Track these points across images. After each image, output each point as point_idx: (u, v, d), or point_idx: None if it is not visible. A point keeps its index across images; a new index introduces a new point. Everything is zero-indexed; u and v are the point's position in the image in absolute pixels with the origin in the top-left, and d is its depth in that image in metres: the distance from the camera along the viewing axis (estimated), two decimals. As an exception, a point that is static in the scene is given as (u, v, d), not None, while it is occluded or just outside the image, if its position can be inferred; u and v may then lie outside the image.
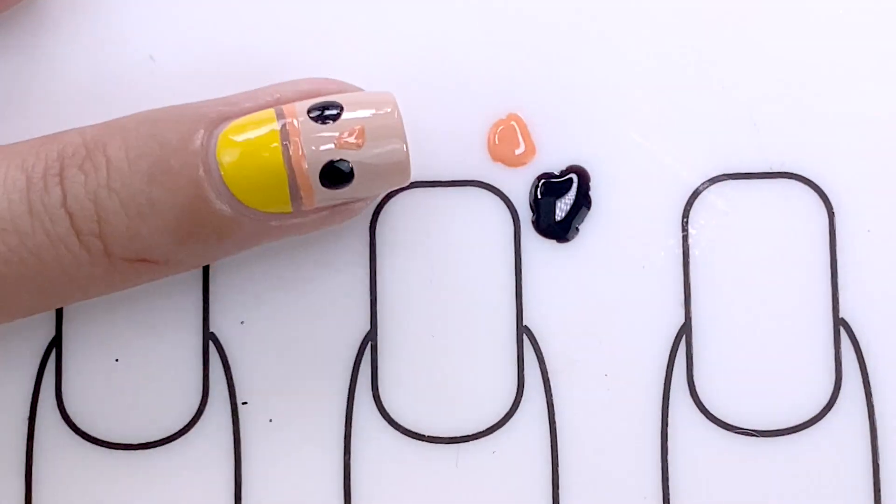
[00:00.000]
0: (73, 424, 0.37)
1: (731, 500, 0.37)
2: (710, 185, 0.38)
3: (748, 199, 0.38)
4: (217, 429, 0.38)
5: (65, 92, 0.38)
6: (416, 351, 0.38)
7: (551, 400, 0.38)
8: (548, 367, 0.38)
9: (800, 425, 0.38)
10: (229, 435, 0.38)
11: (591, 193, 0.38)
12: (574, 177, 0.38)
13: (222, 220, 0.35)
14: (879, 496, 0.37)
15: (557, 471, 0.37)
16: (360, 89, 0.37)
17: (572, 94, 0.38)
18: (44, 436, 0.37)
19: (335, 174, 0.35)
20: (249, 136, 0.35)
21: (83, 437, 0.37)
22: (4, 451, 0.37)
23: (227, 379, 0.38)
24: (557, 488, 0.37)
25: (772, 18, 0.38)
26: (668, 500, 0.37)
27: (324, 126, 0.35)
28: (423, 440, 0.38)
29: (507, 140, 0.38)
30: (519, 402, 0.38)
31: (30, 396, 0.38)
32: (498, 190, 0.38)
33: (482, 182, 0.38)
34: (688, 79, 0.38)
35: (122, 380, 0.37)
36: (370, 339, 0.38)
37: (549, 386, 0.38)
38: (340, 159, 0.35)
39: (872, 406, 0.38)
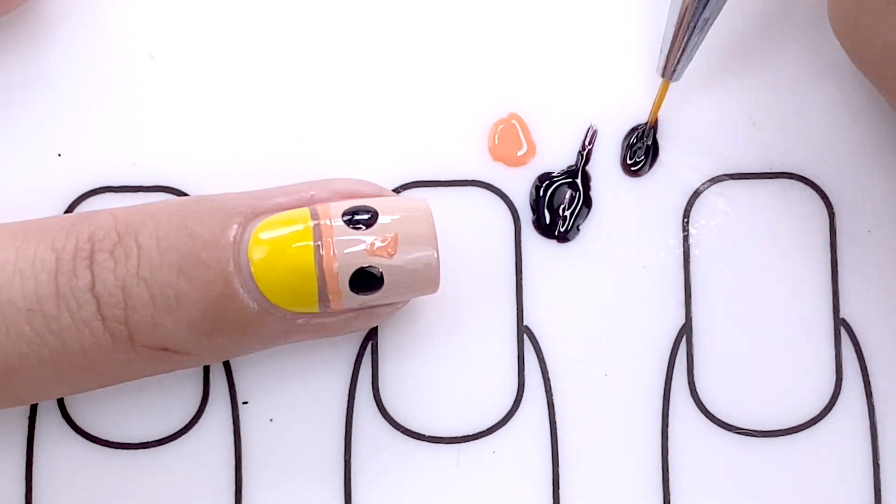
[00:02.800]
0: (74, 424, 0.37)
1: (731, 500, 0.37)
2: (710, 185, 0.38)
3: (748, 199, 0.38)
4: (217, 429, 0.38)
5: (65, 92, 0.38)
6: (416, 351, 0.38)
7: (551, 400, 0.38)
8: (548, 367, 0.38)
9: (800, 425, 0.38)
10: (229, 435, 0.38)
11: (591, 193, 0.38)
12: (574, 177, 0.38)
13: (248, 316, 0.34)
14: (879, 496, 0.37)
15: (557, 471, 0.37)
16: (393, 194, 0.37)
17: (572, 94, 0.38)
18: (44, 435, 0.37)
19: (365, 279, 0.35)
20: (282, 234, 0.34)
21: (84, 437, 0.37)
22: (4, 451, 0.37)
23: (227, 379, 0.38)
24: (557, 488, 0.37)
25: (770, 18, 0.39)
26: (669, 500, 0.37)
27: (357, 231, 0.35)
28: (423, 440, 0.38)
29: (507, 140, 0.38)
30: (519, 402, 0.38)
31: (30, 396, 0.38)
32: (498, 190, 0.38)
33: (482, 182, 0.38)
34: (688, 79, 0.38)
35: (123, 379, 0.37)
36: (370, 339, 0.38)
37: (549, 386, 0.38)
38: (371, 266, 0.35)
39: (872, 406, 0.38)
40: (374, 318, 0.36)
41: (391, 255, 0.35)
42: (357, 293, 0.35)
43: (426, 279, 0.35)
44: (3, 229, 0.35)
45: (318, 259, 0.34)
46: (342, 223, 0.35)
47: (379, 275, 0.35)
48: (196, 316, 0.34)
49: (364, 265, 0.34)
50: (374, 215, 0.35)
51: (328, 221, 0.34)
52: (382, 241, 0.35)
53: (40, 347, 0.34)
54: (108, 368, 0.35)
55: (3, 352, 0.33)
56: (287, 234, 0.34)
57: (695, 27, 0.36)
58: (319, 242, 0.34)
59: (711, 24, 0.37)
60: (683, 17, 0.36)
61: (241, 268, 0.34)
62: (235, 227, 0.35)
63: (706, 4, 0.36)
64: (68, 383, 0.35)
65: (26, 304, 0.33)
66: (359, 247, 0.34)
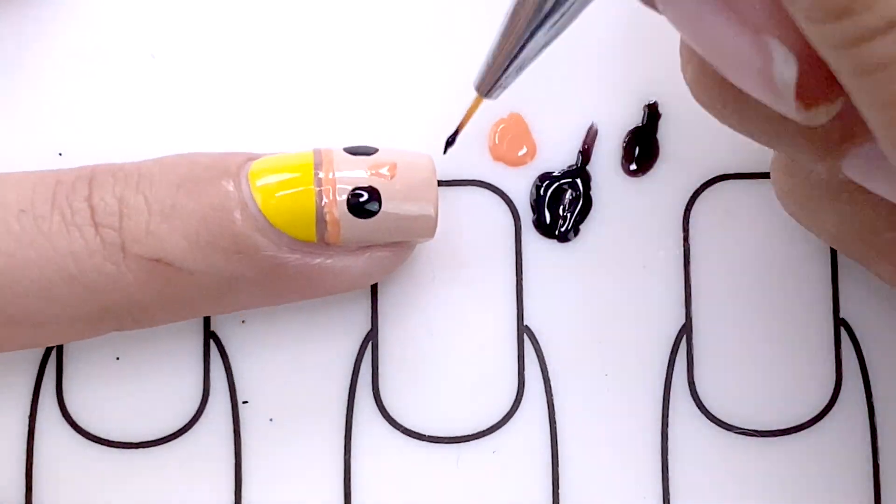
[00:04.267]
0: (74, 423, 0.37)
1: (731, 500, 0.37)
2: (710, 185, 0.38)
3: (748, 199, 0.38)
4: (217, 428, 0.38)
5: (65, 91, 0.38)
6: (417, 351, 0.38)
7: (551, 400, 0.38)
8: (548, 367, 0.38)
9: (800, 425, 0.38)
10: (229, 434, 0.38)
11: (591, 193, 0.38)
12: (574, 177, 0.38)
13: (244, 233, 0.34)
14: (879, 496, 0.37)
15: (557, 471, 0.37)
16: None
17: (572, 94, 0.38)
18: (44, 434, 0.37)
19: (362, 207, 0.35)
20: (283, 161, 0.35)
21: (83, 436, 0.37)
22: (4, 450, 0.37)
23: (227, 378, 0.38)
24: (557, 488, 0.37)
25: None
26: (668, 500, 0.37)
27: (357, 157, 0.35)
28: (423, 440, 0.38)
29: (507, 140, 0.38)
30: (519, 402, 0.38)
31: (30, 394, 0.37)
32: (499, 189, 0.38)
33: (483, 182, 0.38)
34: (688, 79, 0.38)
35: (123, 378, 0.37)
36: (371, 338, 0.38)
37: (549, 386, 0.38)
38: (369, 199, 0.35)
39: (872, 406, 0.38)
40: (375, 266, 0.36)
41: (390, 178, 0.35)
42: (355, 218, 0.35)
43: (423, 220, 0.35)
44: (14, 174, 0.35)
45: (318, 180, 0.35)
46: (343, 152, 0.35)
47: (377, 209, 0.35)
48: (191, 226, 0.34)
49: (362, 185, 0.35)
50: (375, 149, 0.36)
51: (330, 165, 0.35)
52: (382, 166, 0.35)
53: (28, 248, 0.33)
54: (96, 281, 0.34)
55: None
56: (289, 161, 0.35)
57: (523, 49, 0.33)
58: (320, 167, 0.35)
59: (544, 50, 0.33)
60: (513, 35, 0.32)
61: (240, 186, 0.35)
62: (237, 160, 0.35)
63: (540, 28, 0.32)
64: (56, 301, 0.34)
65: (19, 205, 0.34)
66: (358, 168, 0.35)
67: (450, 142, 0.37)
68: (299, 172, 0.35)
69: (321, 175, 0.35)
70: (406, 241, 0.36)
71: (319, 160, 0.35)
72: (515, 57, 0.33)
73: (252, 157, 0.36)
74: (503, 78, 0.34)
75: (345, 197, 0.35)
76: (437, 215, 0.36)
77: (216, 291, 0.35)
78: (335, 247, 0.35)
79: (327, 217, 0.35)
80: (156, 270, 0.34)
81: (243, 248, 0.34)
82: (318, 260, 0.35)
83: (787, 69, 0.28)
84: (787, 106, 0.28)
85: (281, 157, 0.36)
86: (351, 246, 0.35)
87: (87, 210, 0.34)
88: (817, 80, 0.28)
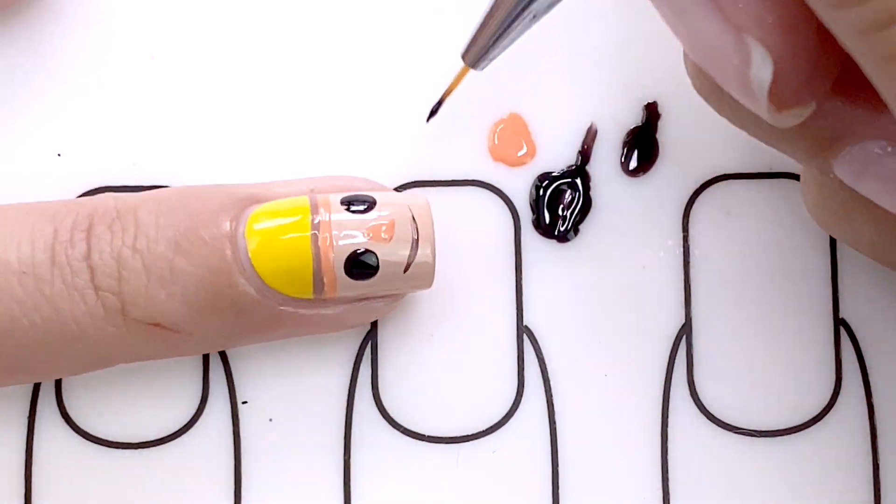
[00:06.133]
0: (74, 423, 0.37)
1: (731, 500, 0.37)
2: (710, 185, 0.38)
3: (748, 199, 0.38)
4: (217, 428, 0.38)
5: (65, 91, 0.38)
6: (416, 351, 0.38)
7: (551, 400, 0.38)
8: (548, 367, 0.38)
9: (800, 425, 0.38)
10: (229, 434, 0.38)
11: (591, 193, 0.38)
12: (574, 177, 0.38)
13: (242, 296, 0.35)
14: (879, 496, 0.37)
15: (557, 471, 0.37)
16: (393, 191, 0.37)
17: (572, 94, 0.38)
18: (44, 434, 0.37)
19: (361, 266, 0.35)
20: (280, 220, 0.35)
21: (83, 436, 0.37)
22: (4, 450, 0.37)
23: (227, 378, 0.38)
24: (557, 488, 0.37)
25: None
26: (668, 500, 0.37)
27: (354, 216, 0.35)
28: (423, 440, 0.38)
29: (507, 140, 0.38)
30: (519, 402, 0.38)
31: (30, 395, 0.37)
32: (498, 190, 0.38)
33: (482, 182, 0.38)
34: (688, 79, 0.38)
35: (123, 379, 0.37)
36: (370, 338, 0.38)
37: (549, 386, 0.38)
38: (367, 251, 0.35)
39: (872, 406, 0.38)
40: (369, 313, 0.36)
41: (388, 241, 0.35)
42: (352, 279, 0.35)
43: (421, 271, 0.35)
44: (8, 207, 0.35)
45: (315, 242, 0.34)
46: (340, 208, 0.35)
47: (375, 263, 0.35)
48: (190, 291, 0.34)
49: (360, 249, 0.34)
50: (372, 204, 0.35)
51: (327, 213, 0.35)
52: (379, 226, 0.35)
53: (32, 312, 0.34)
54: (98, 342, 0.34)
55: None
56: (286, 219, 0.35)
57: (516, 19, 0.33)
58: (317, 228, 0.35)
59: (537, 21, 0.33)
60: (503, 5, 0.32)
61: (237, 247, 0.34)
62: (234, 210, 0.35)
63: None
64: (59, 357, 0.35)
65: (21, 267, 0.34)
66: (356, 230, 0.35)
67: (434, 111, 0.36)
68: (297, 233, 0.35)
69: (318, 237, 0.35)
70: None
71: (317, 223, 0.35)
72: (505, 29, 0.33)
73: (248, 202, 0.35)
74: (491, 50, 0.34)
75: (343, 262, 0.35)
76: (435, 261, 0.36)
77: (213, 345, 0.37)
78: (332, 300, 0.35)
79: (325, 279, 0.35)
80: (155, 332, 0.35)
81: (242, 309, 0.35)
82: (315, 311, 0.36)
83: (763, 70, 0.28)
84: (760, 106, 0.28)
85: (278, 210, 0.35)
86: (348, 299, 0.36)
87: (87, 272, 0.34)
88: (792, 84, 0.28)
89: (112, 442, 0.37)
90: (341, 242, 0.35)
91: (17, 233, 0.34)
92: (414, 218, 0.35)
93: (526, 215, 0.38)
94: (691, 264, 0.38)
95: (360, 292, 0.35)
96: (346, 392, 0.38)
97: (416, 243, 0.35)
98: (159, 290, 0.34)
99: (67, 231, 0.34)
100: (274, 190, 0.36)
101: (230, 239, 0.34)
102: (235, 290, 0.34)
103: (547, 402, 0.38)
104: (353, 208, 0.35)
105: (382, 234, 0.35)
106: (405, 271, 0.35)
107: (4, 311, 0.34)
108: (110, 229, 0.34)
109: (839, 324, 0.38)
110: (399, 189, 0.38)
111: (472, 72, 0.36)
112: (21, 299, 0.34)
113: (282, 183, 0.36)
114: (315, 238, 0.34)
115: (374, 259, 0.35)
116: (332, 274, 0.35)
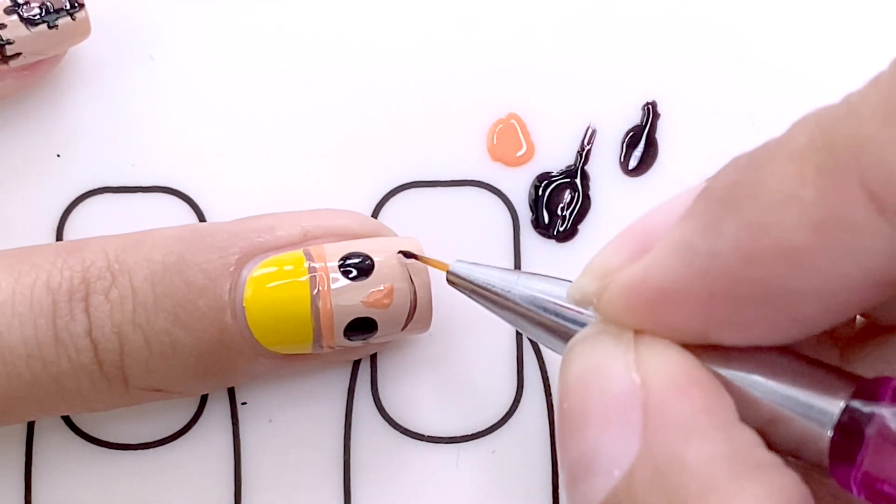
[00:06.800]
0: (73, 424, 0.37)
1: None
2: (710, 184, 0.38)
3: (748, 198, 0.38)
4: (217, 429, 0.38)
5: (64, 92, 0.38)
6: (416, 351, 0.38)
7: (551, 400, 0.38)
8: (548, 367, 0.38)
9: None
10: (229, 435, 0.38)
11: (590, 193, 0.38)
12: (573, 177, 0.38)
13: (242, 360, 0.35)
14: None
15: (557, 471, 0.37)
16: (383, 226, 0.37)
17: (572, 94, 0.38)
18: (44, 435, 0.37)
19: (360, 328, 0.35)
20: (278, 282, 0.35)
21: (83, 437, 0.37)
22: (4, 451, 0.37)
23: (226, 379, 0.38)
24: (557, 488, 0.37)
25: (770, 18, 0.38)
26: (668, 499, 0.37)
27: (353, 284, 0.35)
28: (423, 440, 0.38)
29: (506, 140, 0.38)
30: (519, 402, 0.38)
31: (29, 397, 0.38)
32: (497, 190, 0.38)
33: (482, 182, 0.38)
34: (687, 78, 0.38)
35: (122, 380, 0.37)
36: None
37: (549, 386, 0.38)
38: (366, 327, 0.35)
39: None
40: (366, 351, 0.37)
41: (386, 306, 0.35)
42: (350, 340, 0.35)
43: (420, 320, 0.36)
44: None
45: (315, 311, 0.34)
46: (339, 273, 0.35)
47: (374, 326, 0.35)
48: (191, 362, 0.35)
49: (360, 315, 0.35)
50: (370, 266, 0.35)
51: (326, 281, 0.35)
52: (380, 299, 0.35)
53: (39, 389, 0.34)
54: (101, 404, 0.35)
55: (2, 394, 0.34)
56: (283, 284, 0.35)
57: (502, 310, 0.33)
58: (316, 292, 0.34)
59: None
60: (505, 307, 0.33)
61: (236, 316, 0.34)
62: (231, 273, 0.35)
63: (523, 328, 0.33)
64: (65, 411, 0.36)
65: (26, 349, 0.34)
66: (355, 299, 0.35)
67: (407, 255, 0.36)
68: (297, 306, 0.34)
69: (318, 306, 0.34)
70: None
71: (316, 293, 0.35)
72: (491, 301, 0.33)
73: (242, 259, 0.35)
74: (471, 293, 0.34)
75: (342, 327, 0.35)
76: (431, 308, 0.36)
77: (209, 392, 0.38)
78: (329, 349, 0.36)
79: (324, 343, 0.35)
80: (156, 395, 0.35)
81: (241, 372, 0.35)
82: (312, 359, 0.36)
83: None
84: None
85: (275, 274, 0.35)
86: (345, 347, 0.36)
87: (91, 348, 0.34)
88: None
89: (112, 443, 0.37)
90: (341, 307, 0.35)
91: (17, 307, 0.34)
92: (411, 278, 0.35)
93: (525, 215, 0.38)
94: (691, 264, 0.38)
95: (357, 343, 0.36)
96: (346, 392, 0.38)
97: (413, 303, 0.35)
98: (160, 364, 0.34)
99: (66, 302, 0.34)
100: (269, 234, 0.35)
101: (230, 307, 0.34)
102: (235, 358, 0.35)
103: (546, 402, 0.38)
104: (351, 275, 0.35)
105: (382, 302, 0.35)
106: (403, 329, 0.35)
107: (13, 394, 0.34)
108: (108, 299, 0.34)
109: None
110: (399, 190, 0.38)
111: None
112: (29, 381, 0.34)
113: (274, 219, 0.36)
114: (316, 312, 0.34)
115: (373, 323, 0.35)
116: (331, 337, 0.35)
